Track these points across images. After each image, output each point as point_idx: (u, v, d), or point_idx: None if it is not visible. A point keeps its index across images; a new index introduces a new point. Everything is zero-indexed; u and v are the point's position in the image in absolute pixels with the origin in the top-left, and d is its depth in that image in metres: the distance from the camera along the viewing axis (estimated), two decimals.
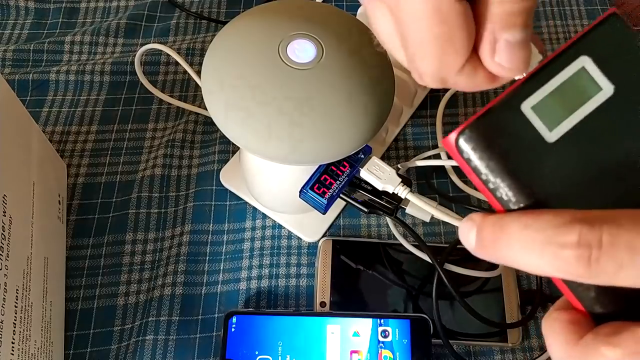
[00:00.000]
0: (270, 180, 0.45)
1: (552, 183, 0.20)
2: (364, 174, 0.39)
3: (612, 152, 0.20)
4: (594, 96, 0.20)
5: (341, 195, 0.40)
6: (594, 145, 0.20)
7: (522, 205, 0.20)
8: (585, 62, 0.20)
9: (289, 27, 0.36)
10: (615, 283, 0.18)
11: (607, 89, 0.20)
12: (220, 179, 0.50)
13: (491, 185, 0.20)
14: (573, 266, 0.17)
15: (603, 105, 0.20)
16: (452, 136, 0.20)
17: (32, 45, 0.56)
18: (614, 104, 0.20)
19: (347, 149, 0.36)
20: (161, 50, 0.55)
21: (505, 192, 0.20)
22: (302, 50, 0.35)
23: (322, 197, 0.38)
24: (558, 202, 0.19)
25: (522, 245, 0.19)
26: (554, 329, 0.20)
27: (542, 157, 0.20)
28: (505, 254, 0.19)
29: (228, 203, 0.49)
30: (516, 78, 0.21)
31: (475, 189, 0.51)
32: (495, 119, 0.20)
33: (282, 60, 0.35)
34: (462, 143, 0.20)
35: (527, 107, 0.20)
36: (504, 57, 0.20)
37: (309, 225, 0.48)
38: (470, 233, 0.20)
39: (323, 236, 0.48)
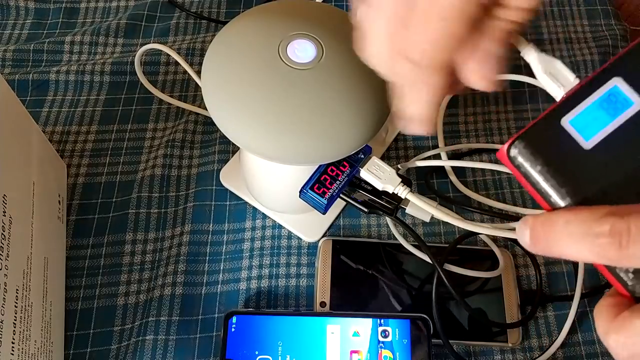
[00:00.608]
0: (270, 180, 0.45)
1: (591, 184, 0.23)
2: (364, 174, 0.39)
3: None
4: (625, 110, 0.23)
5: (341, 195, 0.40)
6: (625, 152, 0.23)
7: (566, 204, 0.23)
8: (617, 82, 0.23)
9: (289, 27, 0.36)
10: None
11: (638, 103, 0.23)
12: (220, 179, 0.50)
13: (539, 188, 0.23)
14: (608, 251, 0.21)
15: (633, 117, 0.23)
16: (504, 147, 0.24)
17: (32, 45, 0.56)
18: None
19: (347, 149, 0.36)
20: (161, 50, 0.55)
21: (551, 193, 0.23)
22: (302, 50, 0.35)
23: (322, 197, 0.38)
24: (597, 200, 0.22)
25: (567, 237, 0.22)
26: (600, 311, 0.23)
27: (580, 162, 0.23)
28: (554, 245, 0.22)
29: (228, 203, 0.49)
30: (557, 97, 0.24)
31: (475, 190, 0.51)
32: (539, 132, 0.23)
33: (282, 60, 0.35)
34: (513, 153, 0.23)
35: (566, 121, 0.23)
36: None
37: (309, 225, 0.48)
38: (525, 232, 0.24)
39: (323, 236, 0.48)
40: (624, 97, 0.23)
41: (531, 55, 0.26)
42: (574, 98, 0.23)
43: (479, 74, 0.25)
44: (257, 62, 0.35)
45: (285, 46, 0.35)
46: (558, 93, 0.25)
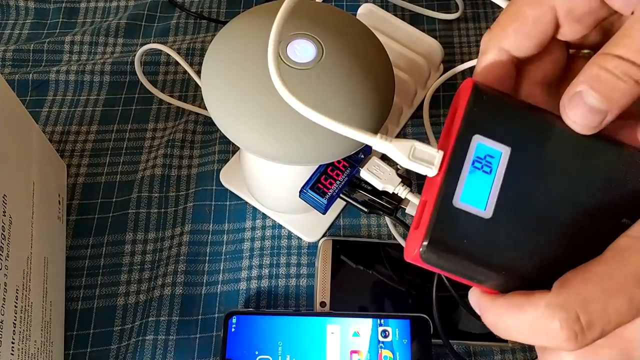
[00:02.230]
0: (270, 180, 0.45)
1: (510, 250, 0.22)
2: (364, 174, 0.39)
3: (538, 201, 0.23)
4: (499, 162, 0.23)
5: (341, 195, 0.40)
6: (522, 202, 0.23)
7: (497, 282, 0.23)
8: (478, 139, 0.23)
9: (289, 27, 0.36)
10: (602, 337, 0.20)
11: (505, 151, 0.23)
12: (220, 179, 0.50)
13: (465, 278, 0.23)
14: (567, 344, 0.20)
15: (509, 166, 0.23)
16: (416, 254, 0.23)
17: (32, 45, 0.56)
18: (517, 161, 0.23)
19: (347, 149, 0.36)
20: (161, 50, 0.55)
21: (478, 276, 0.23)
22: (302, 50, 0.35)
23: (322, 197, 0.38)
24: (521, 264, 0.22)
25: (518, 331, 0.22)
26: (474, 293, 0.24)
27: (490, 233, 0.22)
28: (506, 334, 0.22)
29: (228, 203, 0.49)
30: (429, 175, 0.24)
31: None
32: (440, 226, 0.22)
33: (282, 60, 0.35)
34: (427, 258, 0.23)
35: (457, 201, 0.23)
36: (572, 109, 0.23)
37: (309, 225, 0.48)
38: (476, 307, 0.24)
39: (323, 236, 0.48)
40: (490, 150, 0.23)
41: (386, 147, 0.24)
42: (450, 175, 0.23)
43: (569, 118, 0.23)
44: (257, 62, 0.35)
45: (285, 46, 0.35)
46: (431, 173, 0.24)
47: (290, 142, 0.34)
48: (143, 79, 0.52)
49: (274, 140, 0.34)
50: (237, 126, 0.35)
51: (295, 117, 0.34)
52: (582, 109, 0.22)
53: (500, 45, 0.25)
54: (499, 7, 0.62)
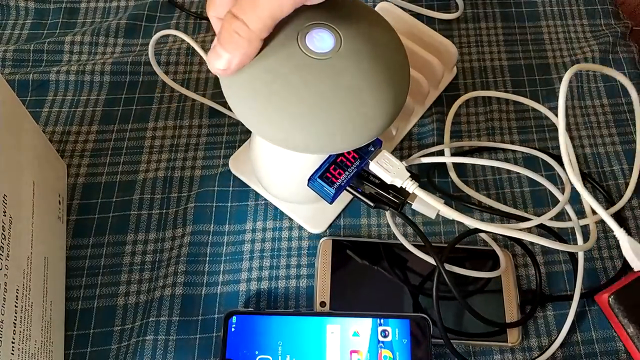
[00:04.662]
0: (279, 168, 0.44)
1: None
2: (373, 166, 0.39)
3: None
4: None
5: (348, 187, 0.40)
6: None
7: None
8: None
9: (307, 16, 0.36)
10: None
11: None
12: (229, 167, 0.50)
13: None
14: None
15: None
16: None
17: (32, 45, 0.56)
18: None
19: (360, 140, 0.36)
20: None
21: None
22: (321, 40, 0.35)
23: (331, 187, 0.38)
24: None
25: None
26: None
27: None
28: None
29: (229, 204, 0.49)
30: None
31: (475, 189, 0.51)
32: None
33: (301, 50, 0.34)
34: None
35: None
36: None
37: (315, 216, 0.48)
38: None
39: (328, 228, 0.48)
40: None
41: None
42: None
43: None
44: (276, 52, 0.34)
45: (304, 36, 0.35)
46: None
47: (306, 131, 0.34)
48: (155, 67, 0.52)
49: (292, 130, 0.34)
50: (255, 116, 0.35)
51: (311, 106, 0.34)
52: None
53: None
54: (498, 7, 0.62)
